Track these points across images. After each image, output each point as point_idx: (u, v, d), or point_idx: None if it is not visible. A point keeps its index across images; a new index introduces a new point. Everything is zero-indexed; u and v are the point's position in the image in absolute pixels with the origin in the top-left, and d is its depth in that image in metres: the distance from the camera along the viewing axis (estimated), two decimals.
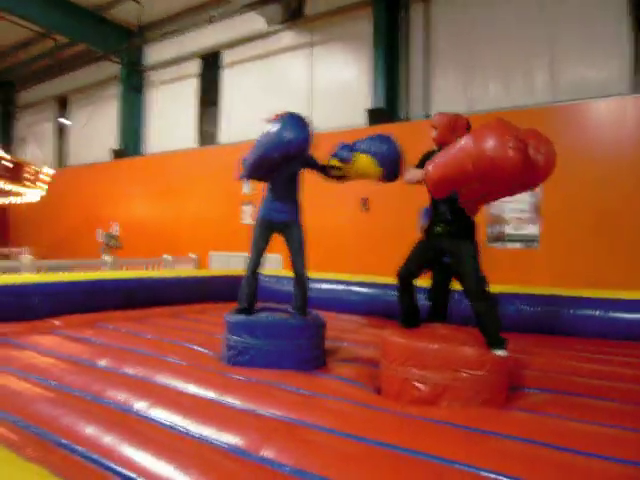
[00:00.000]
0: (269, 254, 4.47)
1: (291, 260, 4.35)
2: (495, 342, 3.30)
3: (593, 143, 6.83)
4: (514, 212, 7.23)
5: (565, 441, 2.63)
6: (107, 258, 9.22)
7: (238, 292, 4.40)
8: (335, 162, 4.33)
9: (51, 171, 11.95)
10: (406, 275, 3.80)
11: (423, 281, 3.92)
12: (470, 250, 3.63)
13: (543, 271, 6.95)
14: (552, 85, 7.60)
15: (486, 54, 8.21)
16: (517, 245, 7.21)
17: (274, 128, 3.98)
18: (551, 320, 5.65)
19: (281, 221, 4.28)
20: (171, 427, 2.84)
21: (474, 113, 8.00)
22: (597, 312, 5.48)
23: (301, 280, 4.34)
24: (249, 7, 9.53)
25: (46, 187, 11.83)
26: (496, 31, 8.11)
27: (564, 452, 2.52)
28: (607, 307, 5.48)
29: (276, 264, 9.12)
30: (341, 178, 4.46)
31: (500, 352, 3.25)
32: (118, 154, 13.06)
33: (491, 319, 3.43)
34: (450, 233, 3.70)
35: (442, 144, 3.78)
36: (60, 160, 15.60)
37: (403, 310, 3.81)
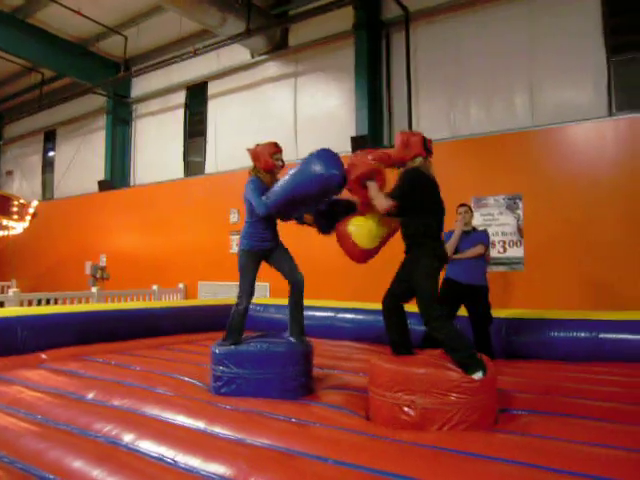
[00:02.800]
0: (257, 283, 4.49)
1: (286, 273, 4.39)
2: (467, 365, 3.28)
3: (573, 165, 6.97)
4: (498, 235, 7.31)
5: (555, 462, 2.62)
6: (94, 290, 9.17)
7: (228, 323, 4.34)
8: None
9: (35, 203, 11.96)
10: (390, 300, 3.81)
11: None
12: (422, 270, 3.60)
13: (528, 293, 7.01)
14: (532, 109, 7.77)
15: (468, 80, 8.39)
16: (502, 268, 7.28)
17: (312, 164, 3.75)
18: (540, 344, 5.67)
19: (271, 248, 4.36)
20: (159, 459, 2.82)
21: (457, 138, 8.17)
22: (583, 334, 5.51)
23: (301, 289, 4.36)
24: (234, 39, 9.68)
25: (29, 220, 11.84)
26: (477, 57, 8.30)
27: (555, 473, 2.52)
28: (593, 328, 5.51)
29: (264, 292, 9.13)
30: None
31: (476, 375, 3.23)
32: (105, 186, 13.08)
33: (451, 343, 3.40)
34: (406, 250, 3.75)
35: (398, 161, 3.84)
36: (47, 192, 15.57)
37: (391, 338, 3.80)
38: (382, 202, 3.64)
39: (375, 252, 4.12)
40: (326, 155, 3.80)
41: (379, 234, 4.03)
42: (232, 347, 4.15)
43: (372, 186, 3.76)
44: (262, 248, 4.33)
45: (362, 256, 4.08)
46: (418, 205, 3.67)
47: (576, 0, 7.51)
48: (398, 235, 3.91)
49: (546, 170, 7.14)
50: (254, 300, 4.53)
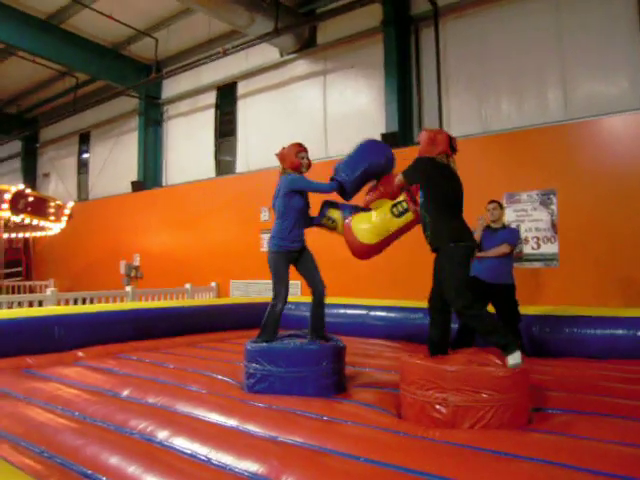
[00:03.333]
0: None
1: (310, 280, 4.48)
2: (504, 345, 3.29)
3: (608, 159, 6.79)
4: (531, 231, 7.19)
5: (590, 462, 2.58)
6: (128, 289, 9.33)
7: (263, 323, 4.40)
8: (335, 215, 4.49)
9: (71, 204, 12.22)
10: (436, 300, 3.79)
11: None
12: (448, 257, 3.60)
13: (563, 289, 6.87)
14: (565, 103, 7.62)
15: (498, 74, 8.27)
16: (536, 264, 7.15)
17: (374, 143, 4.62)
18: (574, 341, 5.57)
19: (299, 249, 4.43)
20: (193, 455, 2.85)
21: (489, 133, 8.06)
22: (620, 331, 5.38)
23: (323, 299, 4.44)
24: (262, 38, 9.73)
25: (65, 221, 12.11)
26: (507, 51, 8.17)
27: (589, 474, 2.47)
28: (630, 325, 5.38)
29: (295, 290, 9.16)
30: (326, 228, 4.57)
31: (512, 360, 3.23)
32: (138, 186, 13.29)
33: (486, 327, 3.44)
34: (429, 239, 3.75)
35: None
36: (82, 193, 15.91)
37: (431, 338, 3.78)
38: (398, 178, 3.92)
39: (376, 250, 4.21)
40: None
41: (379, 232, 4.08)
42: (265, 344, 4.19)
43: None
44: (292, 249, 4.38)
45: (361, 251, 4.19)
46: (432, 185, 3.73)
47: None
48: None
49: (580, 164, 6.99)
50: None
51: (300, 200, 4.39)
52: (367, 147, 4.44)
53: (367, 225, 4.15)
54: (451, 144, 3.81)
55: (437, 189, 3.72)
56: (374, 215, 4.18)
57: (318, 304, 4.44)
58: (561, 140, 7.20)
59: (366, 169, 4.31)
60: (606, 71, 7.31)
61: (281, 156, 4.54)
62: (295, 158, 4.46)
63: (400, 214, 4.11)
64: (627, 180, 6.63)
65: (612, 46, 7.26)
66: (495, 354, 3.41)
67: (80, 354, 5.67)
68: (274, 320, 4.38)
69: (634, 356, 5.16)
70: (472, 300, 3.54)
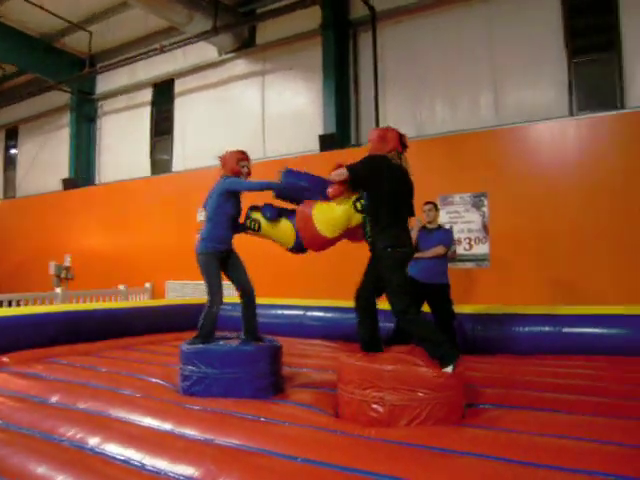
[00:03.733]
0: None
1: (239, 283, 4.50)
2: (440, 356, 3.34)
3: (536, 163, 7.10)
4: (464, 232, 7.42)
5: (523, 455, 2.67)
6: (58, 290, 8.98)
7: (199, 325, 4.35)
8: (257, 215, 4.43)
9: None
10: (362, 297, 3.83)
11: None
12: (386, 262, 3.64)
13: (494, 289, 7.12)
14: (496, 109, 7.91)
15: (433, 79, 8.49)
16: (468, 265, 7.39)
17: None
18: (504, 338, 5.77)
19: (227, 250, 4.45)
20: (126, 461, 2.78)
21: (424, 137, 8.25)
22: (547, 328, 5.63)
23: (253, 300, 4.46)
24: (201, 36, 9.60)
25: None
26: (442, 57, 8.40)
27: (522, 466, 2.56)
28: (556, 323, 5.64)
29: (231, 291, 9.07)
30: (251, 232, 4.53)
31: (447, 369, 3.29)
32: (70, 184, 12.82)
33: (423, 334, 3.49)
34: (371, 243, 3.79)
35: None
36: (9, 190, 15.19)
37: (361, 335, 3.83)
38: (338, 173, 3.74)
39: (331, 243, 4.20)
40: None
41: (340, 225, 4.06)
42: (201, 346, 4.14)
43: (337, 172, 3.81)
44: (221, 250, 4.38)
45: (318, 242, 4.16)
46: (375, 187, 3.72)
47: (535, 2, 7.67)
48: None
49: (510, 168, 7.27)
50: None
51: (234, 205, 4.42)
52: (320, 178, 4.25)
53: (330, 217, 4.06)
54: (401, 141, 3.85)
55: (382, 191, 3.70)
56: (338, 208, 4.06)
57: (248, 306, 4.45)
58: (492, 144, 7.47)
59: (306, 188, 4.25)
60: (535, 80, 7.65)
61: (223, 160, 4.52)
62: (236, 165, 4.45)
63: (362, 210, 4.02)
64: (554, 183, 6.95)
65: (540, 56, 7.61)
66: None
67: (5, 359, 5.37)
68: (211, 322, 4.34)
69: (561, 352, 5.40)
70: (408, 304, 3.60)
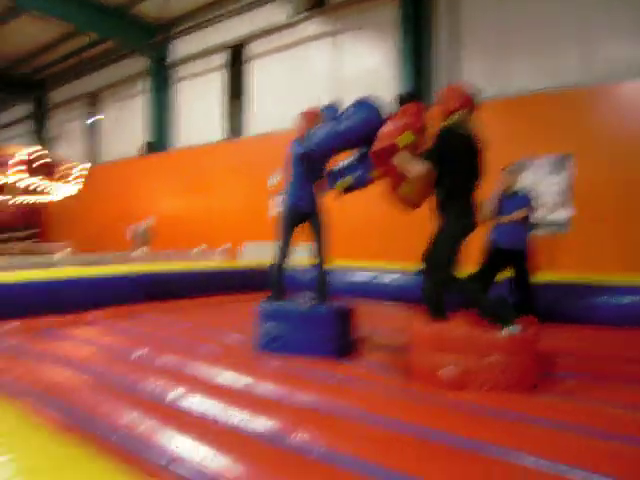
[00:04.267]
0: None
1: (314, 246, 4.50)
2: (492, 321, 3.30)
3: (626, 125, 6.68)
4: (546, 196, 7.11)
5: (593, 424, 2.62)
6: (141, 251, 9.41)
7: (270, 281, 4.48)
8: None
9: (87, 166, 12.19)
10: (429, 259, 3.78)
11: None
12: (446, 230, 3.59)
13: (576, 256, 6.85)
14: (584, 66, 7.45)
15: (516, 36, 8.08)
16: (550, 229, 7.11)
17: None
18: (583, 307, 5.57)
19: (307, 210, 4.41)
20: (204, 414, 2.91)
21: (505, 96, 7.92)
22: (628, 299, 5.38)
23: (323, 266, 4.48)
24: None
25: (81, 182, 12.11)
26: (524, 12, 7.98)
27: (592, 436, 2.51)
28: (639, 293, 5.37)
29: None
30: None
31: (505, 331, 3.23)
32: (150, 147, 13.24)
33: (473, 300, 3.47)
34: (437, 211, 3.71)
35: (440, 115, 3.76)
36: (91, 157, 15.90)
37: (429, 301, 3.80)
38: (415, 167, 3.59)
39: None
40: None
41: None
42: (278, 305, 4.25)
43: (402, 156, 3.65)
44: (298, 209, 4.39)
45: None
46: (451, 167, 3.60)
47: None
48: None
49: (598, 130, 6.88)
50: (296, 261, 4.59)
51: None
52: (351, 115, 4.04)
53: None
54: (469, 98, 3.68)
55: (453, 166, 3.60)
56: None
57: (319, 270, 4.48)
58: (579, 105, 7.08)
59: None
60: (628, 35, 7.10)
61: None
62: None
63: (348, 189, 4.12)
64: None
65: (635, 8, 7.03)
66: None
67: (94, 315, 5.76)
68: (275, 279, 4.45)
69: None
70: (447, 278, 3.56)
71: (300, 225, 4.46)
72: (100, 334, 4.89)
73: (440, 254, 3.58)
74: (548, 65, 7.77)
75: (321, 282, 4.48)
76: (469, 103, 3.68)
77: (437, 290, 3.60)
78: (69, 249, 9.06)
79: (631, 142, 6.62)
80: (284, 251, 4.44)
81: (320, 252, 4.49)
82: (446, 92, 3.76)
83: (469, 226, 3.68)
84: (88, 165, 12.22)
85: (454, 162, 3.60)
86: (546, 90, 7.54)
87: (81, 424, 2.77)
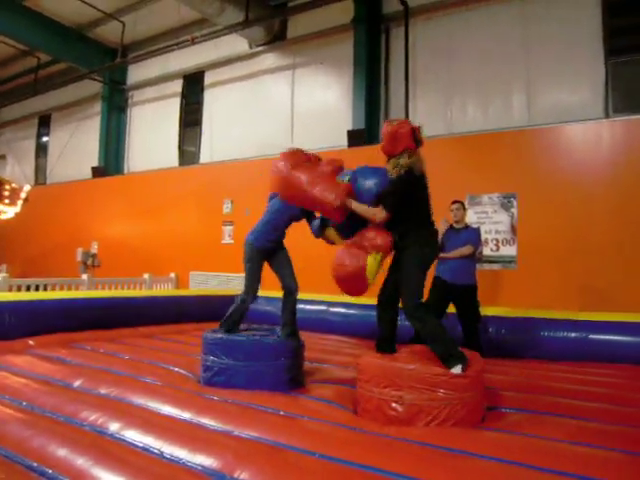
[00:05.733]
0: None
1: (283, 279, 4.51)
2: (446, 358, 3.28)
3: (568, 165, 6.95)
4: (491, 233, 7.31)
5: (540, 461, 2.62)
6: (85, 277, 9.11)
7: (227, 314, 4.37)
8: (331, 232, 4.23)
9: (27, 187, 11.83)
10: (384, 295, 3.80)
11: None
12: (411, 258, 3.58)
13: (520, 292, 7.01)
14: (529, 109, 7.76)
15: (465, 77, 8.37)
16: (495, 266, 7.28)
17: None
18: (529, 343, 5.68)
19: (274, 248, 4.46)
20: (145, 449, 2.79)
21: (453, 135, 8.15)
22: (573, 334, 5.53)
23: (295, 305, 4.50)
24: (232, 28, 9.61)
25: (20, 205, 11.72)
26: (475, 55, 8.27)
27: (540, 472, 2.51)
28: (582, 329, 5.53)
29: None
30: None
31: (455, 369, 3.23)
32: (99, 172, 12.99)
33: (431, 334, 3.44)
34: (396, 242, 3.69)
35: (386, 154, 3.75)
36: (40, 177, 15.45)
37: (379, 333, 3.80)
38: (377, 214, 3.60)
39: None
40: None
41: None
42: (224, 337, 4.15)
43: (355, 205, 3.65)
44: (267, 248, 4.41)
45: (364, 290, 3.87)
46: (411, 203, 3.65)
47: (575, 1, 7.50)
48: None
49: (541, 170, 7.14)
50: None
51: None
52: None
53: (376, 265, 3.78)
54: (415, 137, 3.65)
55: (411, 206, 3.65)
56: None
57: (293, 302, 4.47)
58: (524, 145, 7.34)
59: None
60: (570, 80, 7.48)
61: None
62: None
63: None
64: (587, 186, 6.80)
65: (576, 56, 7.44)
66: None
67: (31, 342, 5.49)
68: (240, 313, 4.37)
69: (586, 359, 5.30)
70: (419, 304, 3.56)
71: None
72: (34, 364, 4.63)
73: (412, 284, 3.57)
74: (495, 107, 8.06)
75: (287, 316, 4.44)
76: (413, 142, 3.67)
77: (426, 319, 3.55)
78: (4, 274, 8.66)
79: (573, 182, 6.88)
80: (255, 287, 4.41)
81: (290, 285, 4.49)
82: (392, 130, 3.68)
83: (432, 254, 3.72)
84: (28, 187, 11.85)
85: (415, 199, 3.65)
86: (492, 131, 7.79)
87: (9, 460, 2.60)
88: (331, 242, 4.26)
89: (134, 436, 2.92)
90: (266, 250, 4.40)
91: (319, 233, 4.23)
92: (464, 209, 5.77)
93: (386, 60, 9.17)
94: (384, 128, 3.77)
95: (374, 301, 3.89)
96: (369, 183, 3.79)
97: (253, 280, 4.40)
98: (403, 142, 3.63)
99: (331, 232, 4.16)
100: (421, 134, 3.71)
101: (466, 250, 5.46)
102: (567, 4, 7.55)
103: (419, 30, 8.86)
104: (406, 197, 3.62)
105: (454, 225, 5.67)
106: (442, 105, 8.55)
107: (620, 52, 7.21)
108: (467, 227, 5.77)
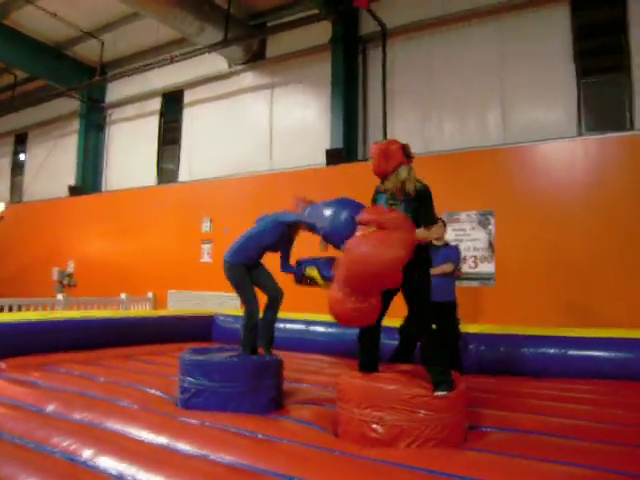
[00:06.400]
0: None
1: (267, 290, 4.59)
2: (439, 381, 3.28)
3: (543, 183, 7.06)
4: (469, 250, 7.35)
5: None
6: (60, 297, 8.95)
7: (244, 336, 4.39)
8: (313, 273, 4.20)
9: (2, 206, 11.67)
10: None
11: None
12: (424, 277, 3.62)
13: (499, 309, 7.05)
14: (504, 127, 7.89)
15: (441, 97, 8.49)
16: (474, 283, 7.32)
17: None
18: (509, 359, 5.69)
19: (252, 265, 4.49)
20: (119, 476, 2.71)
21: (431, 153, 8.23)
22: (552, 350, 5.55)
23: (277, 312, 4.60)
24: (211, 48, 9.64)
25: None
26: (451, 74, 8.41)
27: None
28: (562, 345, 5.55)
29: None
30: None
31: (439, 392, 3.22)
32: (76, 191, 12.85)
33: (434, 354, 3.44)
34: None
35: (379, 173, 3.75)
36: (15, 195, 15.23)
37: (361, 355, 3.77)
38: (437, 232, 3.66)
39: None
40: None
41: None
42: (201, 358, 4.09)
43: (421, 234, 3.52)
44: (248, 264, 4.44)
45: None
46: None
47: (546, 23, 7.70)
48: None
49: (517, 187, 7.23)
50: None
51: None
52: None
53: None
54: (406, 152, 3.71)
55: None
56: None
57: (276, 308, 4.58)
58: (499, 163, 7.44)
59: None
60: (543, 99, 7.64)
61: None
62: None
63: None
64: (561, 203, 6.91)
65: (550, 76, 7.61)
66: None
67: (3, 365, 5.34)
68: (254, 332, 4.40)
69: (566, 375, 5.32)
70: (432, 322, 3.61)
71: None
72: (4, 387, 4.49)
73: (429, 302, 3.61)
74: (471, 125, 8.17)
75: (267, 329, 4.50)
76: (407, 156, 3.72)
77: (434, 340, 3.56)
78: None
79: (548, 199, 6.98)
80: (254, 301, 4.43)
81: (274, 292, 4.55)
82: (382, 148, 3.71)
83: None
84: (3, 205, 11.69)
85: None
86: (469, 149, 7.89)
87: None
88: (312, 284, 4.24)
89: (108, 463, 2.83)
90: (244, 265, 4.40)
91: (300, 277, 4.26)
92: (444, 226, 5.80)
93: (364, 79, 9.27)
94: (373, 149, 3.79)
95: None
96: (344, 215, 3.78)
97: (247, 293, 4.42)
98: (395, 158, 3.66)
99: (314, 272, 4.14)
100: (410, 149, 3.77)
101: (447, 267, 5.48)
102: (540, 27, 7.75)
103: (397, 50, 8.98)
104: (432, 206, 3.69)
105: (434, 242, 5.68)
106: (420, 123, 8.64)
107: (591, 72, 7.39)
108: (447, 245, 5.80)
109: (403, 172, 3.65)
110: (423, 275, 3.62)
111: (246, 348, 4.36)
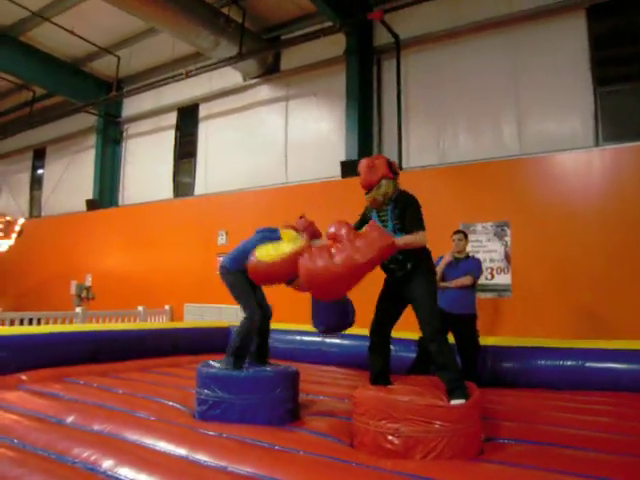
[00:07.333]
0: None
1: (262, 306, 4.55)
2: (453, 388, 3.31)
3: (560, 194, 7.02)
4: (486, 262, 7.32)
5: None
6: (79, 310, 9.05)
7: (235, 342, 4.27)
8: None
9: (21, 221, 11.86)
10: (375, 328, 3.81)
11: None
12: (426, 286, 3.66)
13: (515, 320, 7.01)
14: (519, 138, 7.87)
15: (457, 108, 8.49)
16: (490, 295, 7.28)
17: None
18: (526, 371, 5.65)
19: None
20: None
21: (446, 165, 8.24)
22: (569, 362, 5.50)
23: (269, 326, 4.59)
24: (226, 62, 9.77)
25: (14, 237, 11.73)
26: (466, 85, 8.42)
27: None
28: (579, 357, 5.51)
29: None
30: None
31: (456, 401, 3.23)
32: (93, 205, 13.02)
33: (445, 361, 3.48)
34: (398, 270, 3.72)
35: (365, 186, 3.84)
36: (34, 210, 15.47)
37: (372, 367, 3.80)
38: (423, 238, 3.66)
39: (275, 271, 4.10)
40: None
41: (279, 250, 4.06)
42: (218, 370, 4.11)
43: (402, 241, 3.58)
44: (243, 270, 4.36)
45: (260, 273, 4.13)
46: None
47: (560, 32, 7.69)
48: None
49: (533, 198, 7.20)
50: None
51: None
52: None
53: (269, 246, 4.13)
54: (391, 168, 3.79)
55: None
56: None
57: (267, 322, 4.54)
58: (515, 174, 7.42)
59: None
60: (559, 109, 7.61)
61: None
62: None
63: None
64: (578, 214, 6.87)
65: (565, 86, 7.58)
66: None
67: (24, 377, 5.40)
68: (249, 339, 4.30)
69: (584, 387, 5.27)
70: (440, 329, 3.62)
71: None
72: (26, 399, 4.56)
73: (433, 309, 3.65)
74: (486, 136, 8.17)
75: (263, 341, 4.49)
76: (392, 171, 3.80)
77: (443, 346, 3.60)
78: None
79: (564, 210, 6.94)
80: (253, 305, 4.38)
81: (266, 305, 4.57)
82: (368, 162, 3.83)
83: (435, 282, 3.78)
84: (22, 220, 11.88)
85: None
86: (484, 160, 7.89)
87: None
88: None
89: (127, 473, 2.87)
90: (242, 272, 4.36)
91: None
92: (466, 239, 5.82)
93: (378, 91, 9.31)
94: (360, 164, 3.91)
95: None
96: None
97: (250, 298, 4.39)
98: (380, 170, 3.76)
99: None
100: (397, 167, 3.88)
101: (466, 280, 5.49)
102: (555, 36, 7.73)
103: (410, 61, 9.02)
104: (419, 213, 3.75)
105: (455, 255, 5.71)
106: (434, 135, 8.66)
107: (608, 82, 7.36)
108: (468, 257, 5.81)
109: (384, 184, 3.74)
110: (423, 284, 3.65)
111: (231, 354, 4.22)
